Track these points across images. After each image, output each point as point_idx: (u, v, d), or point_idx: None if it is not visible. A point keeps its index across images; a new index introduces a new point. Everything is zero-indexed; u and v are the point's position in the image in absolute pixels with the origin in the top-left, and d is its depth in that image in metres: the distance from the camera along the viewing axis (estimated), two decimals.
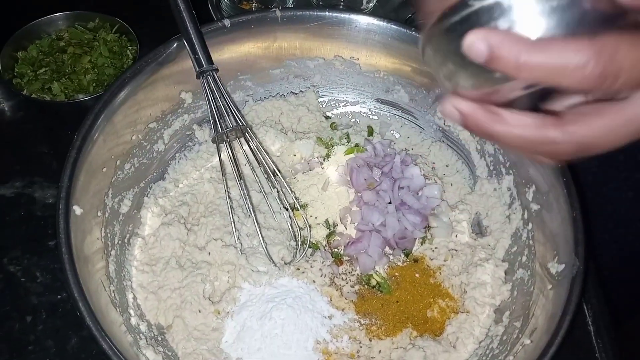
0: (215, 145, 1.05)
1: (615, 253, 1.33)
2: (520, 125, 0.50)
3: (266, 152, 1.08)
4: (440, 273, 1.06)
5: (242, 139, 1.06)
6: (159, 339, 0.94)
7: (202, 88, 1.02)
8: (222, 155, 1.06)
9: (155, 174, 1.12)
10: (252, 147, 1.06)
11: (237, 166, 1.05)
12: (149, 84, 1.03)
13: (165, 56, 1.03)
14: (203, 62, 1.00)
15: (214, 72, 1.01)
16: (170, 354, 0.93)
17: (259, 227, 1.02)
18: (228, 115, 1.02)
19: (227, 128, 1.02)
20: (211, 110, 1.01)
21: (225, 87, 1.05)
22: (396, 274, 1.06)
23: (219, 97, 1.01)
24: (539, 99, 0.54)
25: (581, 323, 1.06)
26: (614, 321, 1.08)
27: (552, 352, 0.80)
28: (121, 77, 0.99)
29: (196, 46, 1.00)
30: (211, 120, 1.01)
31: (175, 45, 1.03)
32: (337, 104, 1.27)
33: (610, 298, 1.12)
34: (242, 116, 1.06)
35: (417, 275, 1.06)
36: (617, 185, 1.27)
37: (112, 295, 0.92)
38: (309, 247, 1.05)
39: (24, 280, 1.04)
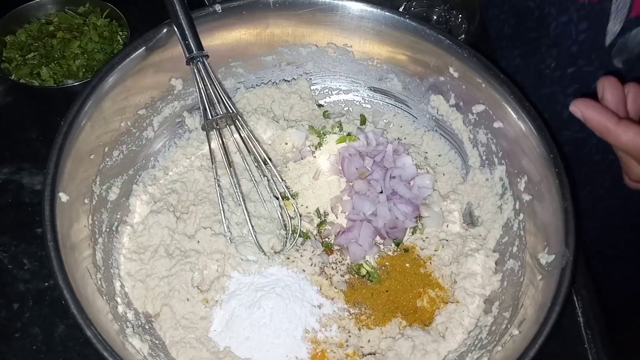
0: (205, 132, 1.04)
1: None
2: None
3: (257, 140, 1.07)
4: (430, 263, 1.06)
5: (233, 127, 1.05)
6: (147, 327, 0.94)
7: (192, 75, 1.00)
8: (212, 143, 1.04)
9: (144, 161, 1.11)
10: (242, 135, 1.04)
11: (227, 154, 1.04)
12: (138, 70, 1.01)
13: (154, 42, 1.01)
14: (193, 48, 0.99)
15: (204, 59, 1.00)
16: (157, 342, 0.92)
17: (249, 216, 1.01)
18: (218, 103, 1.01)
19: (218, 115, 1.00)
20: (201, 97, 0.99)
21: (216, 73, 1.04)
22: (386, 263, 1.06)
23: (209, 84, 1.00)
24: None
25: (571, 314, 1.06)
26: (605, 317, 1.08)
27: (541, 343, 0.80)
28: (109, 63, 0.98)
29: (186, 32, 0.98)
30: (201, 108, 1.00)
31: (165, 30, 1.01)
32: (329, 92, 1.26)
33: (602, 294, 1.12)
34: (233, 104, 1.05)
35: (407, 265, 1.05)
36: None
37: (99, 283, 0.91)
38: (299, 236, 1.05)
39: (11, 267, 1.03)
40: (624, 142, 0.76)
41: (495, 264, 1.03)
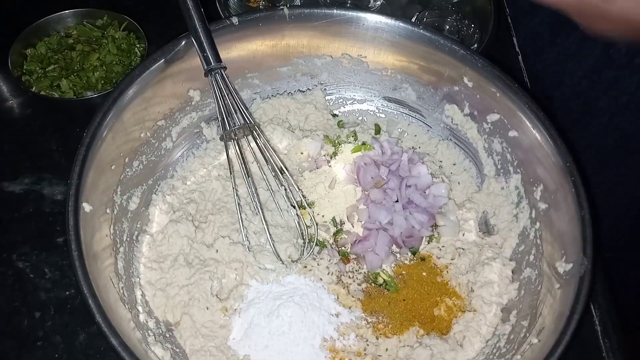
0: (223, 143, 1.06)
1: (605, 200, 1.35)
2: None
3: (273, 150, 1.08)
4: (447, 272, 1.06)
5: (250, 137, 1.07)
6: (167, 335, 0.95)
7: (210, 86, 1.02)
8: (229, 153, 1.06)
9: (163, 171, 1.12)
10: (259, 144, 1.06)
11: (244, 164, 1.05)
12: (157, 81, 1.03)
13: (173, 54, 1.03)
14: (211, 60, 1.00)
15: (222, 70, 1.01)
16: (178, 350, 0.93)
17: (267, 225, 1.02)
18: (236, 113, 1.02)
19: (235, 126, 1.02)
20: (219, 108, 1.01)
21: (233, 85, 1.06)
22: (403, 272, 1.06)
23: (227, 95, 1.01)
24: None
25: (588, 322, 1.06)
26: (622, 325, 1.08)
27: (560, 352, 0.80)
28: (130, 75, 0.99)
29: (204, 44, 1.00)
30: (219, 118, 1.02)
31: (183, 43, 1.03)
32: (344, 102, 1.27)
33: (618, 302, 1.12)
34: (250, 114, 1.06)
35: (424, 273, 1.06)
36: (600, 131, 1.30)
37: (121, 291, 0.92)
38: (316, 245, 1.06)
39: (32, 276, 1.05)
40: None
41: (512, 272, 1.03)
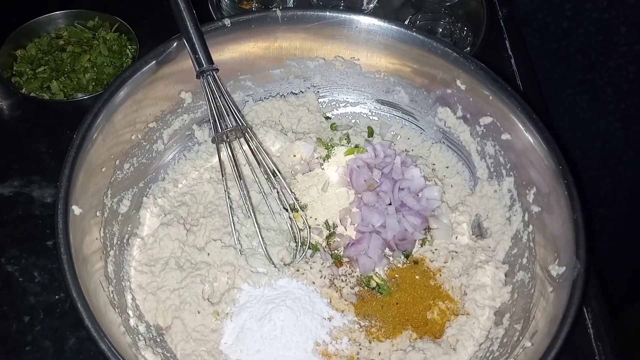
0: (214, 145, 1.05)
1: (609, 188, 1.35)
2: None
3: (266, 152, 1.07)
4: (440, 275, 1.06)
5: (242, 139, 1.06)
6: (158, 340, 0.94)
7: (202, 88, 1.01)
8: (221, 155, 1.05)
9: (154, 174, 1.11)
10: (252, 147, 1.05)
11: (236, 166, 1.04)
12: (148, 83, 1.02)
13: (165, 55, 1.02)
14: (203, 62, 1.00)
15: (214, 72, 1.01)
16: (169, 355, 0.92)
17: (259, 228, 1.01)
18: (228, 116, 1.02)
19: (227, 128, 1.01)
20: (211, 110, 1.00)
21: (225, 87, 1.05)
22: (396, 275, 1.06)
23: (219, 97, 1.01)
24: None
25: (581, 326, 1.06)
26: (611, 311, 1.08)
27: (553, 355, 0.80)
28: (121, 76, 0.99)
29: (196, 46, 0.99)
30: (211, 120, 1.01)
31: (175, 44, 1.02)
32: (337, 105, 1.27)
33: (607, 289, 1.12)
34: (242, 116, 1.05)
35: (417, 277, 1.06)
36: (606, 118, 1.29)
37: (111, 295, 0.91)
38: (309, 248, 1.05)
39: (21, 280, 1.03)
40: None
41: (505, 275, 1.03)
